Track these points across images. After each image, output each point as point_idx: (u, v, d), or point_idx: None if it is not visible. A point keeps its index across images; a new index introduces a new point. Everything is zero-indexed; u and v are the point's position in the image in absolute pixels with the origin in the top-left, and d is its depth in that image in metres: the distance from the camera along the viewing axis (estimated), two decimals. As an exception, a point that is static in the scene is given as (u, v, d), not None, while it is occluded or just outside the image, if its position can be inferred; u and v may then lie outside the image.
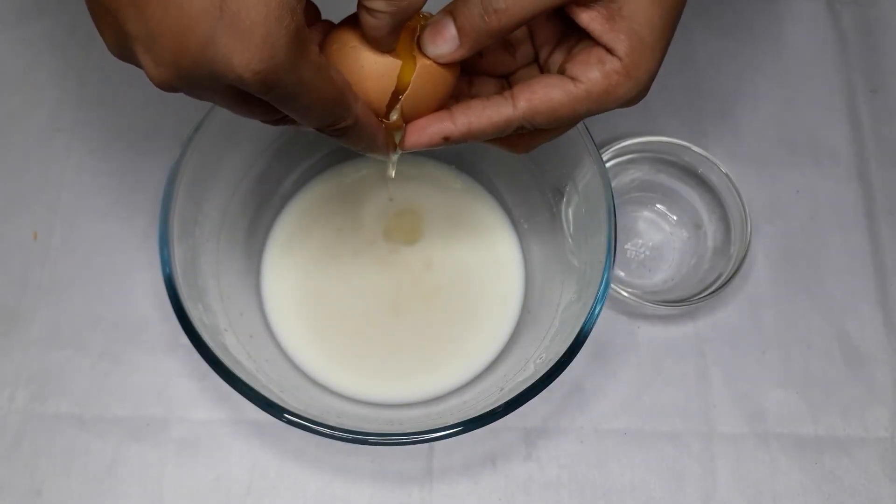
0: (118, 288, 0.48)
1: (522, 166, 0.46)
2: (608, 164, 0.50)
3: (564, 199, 0.44)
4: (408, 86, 0.32)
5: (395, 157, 0.37)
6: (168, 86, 0.27)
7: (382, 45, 0.31)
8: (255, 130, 0.44)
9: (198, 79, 0.26)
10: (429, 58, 0.32)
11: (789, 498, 0.45)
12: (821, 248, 0.51)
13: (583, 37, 0.32)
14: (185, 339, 0.37)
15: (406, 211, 0.50)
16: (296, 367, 0.46)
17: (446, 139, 0.32)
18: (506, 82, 0.36)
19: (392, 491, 0.44)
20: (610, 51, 0.31)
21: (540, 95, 0.32)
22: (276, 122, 0.31)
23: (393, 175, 0.41)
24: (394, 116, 0.33)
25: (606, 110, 0.32)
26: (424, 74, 0.32)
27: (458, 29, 0.31)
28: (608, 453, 0.46)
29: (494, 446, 0.46)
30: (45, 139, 0.52)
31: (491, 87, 0.36)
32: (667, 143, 0.50)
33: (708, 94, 0.54)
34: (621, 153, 0.50)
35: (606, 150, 0.50)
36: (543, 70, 0.35)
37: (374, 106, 0.32)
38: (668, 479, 0.45)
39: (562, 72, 0.32)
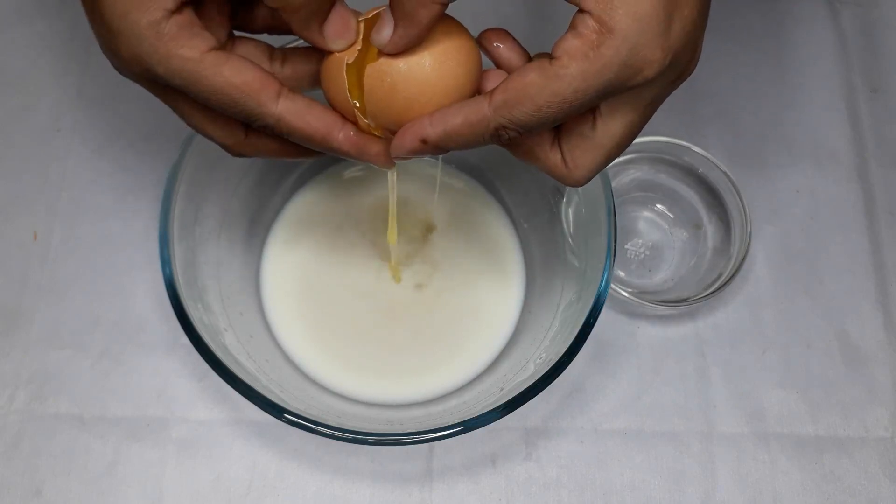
0: (118, 288, 0.48)
1: (522, 166, 0.46)
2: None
3: (564, 199, 0.44)
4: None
5: (392, 171, 0.36)
6: (120, 72, 0.31)
7: (319, 44, 0.30)
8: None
9: (118, 65, 0.30)
10: (384, 54, 0.30)
11: (789, 498, 0.45)
12: (821, 248, 0.51)
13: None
14: (185, 339, 0.37)
15: (410, 211, 0.50)
16: (296, 368, 0.46)
17: (424, 142, 0.30)
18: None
19: (392, 491, 0.44)
20: (581, 9, 0.27)
21: (514, 84, 0.28)
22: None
23: (391, 179, 0.40)
24: (370, 123, 0.31)
25: (606, 89, 0.27)
26: (380, 72, 0.30)
27: (393, 7, 0.28)
28: (608, 453, 0.46)
29: (494, 446, 0.46)
30: (45, 139, 0.52)
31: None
32: (667, 143, 0.50)
33: (708, 94, 0.54)
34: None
35: (606, 150, 0.50)
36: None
37: (340, 108, 0.31)
38: (668, 479, 0.45)
39: None
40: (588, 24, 0.27)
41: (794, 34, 0.56)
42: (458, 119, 0.29)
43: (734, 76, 0.55)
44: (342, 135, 0.31)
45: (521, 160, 0.33)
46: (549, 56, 0.28)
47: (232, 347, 0.39)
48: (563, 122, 0.30)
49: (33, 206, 0.50)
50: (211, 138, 0.32)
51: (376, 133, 0.32)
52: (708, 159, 0.49)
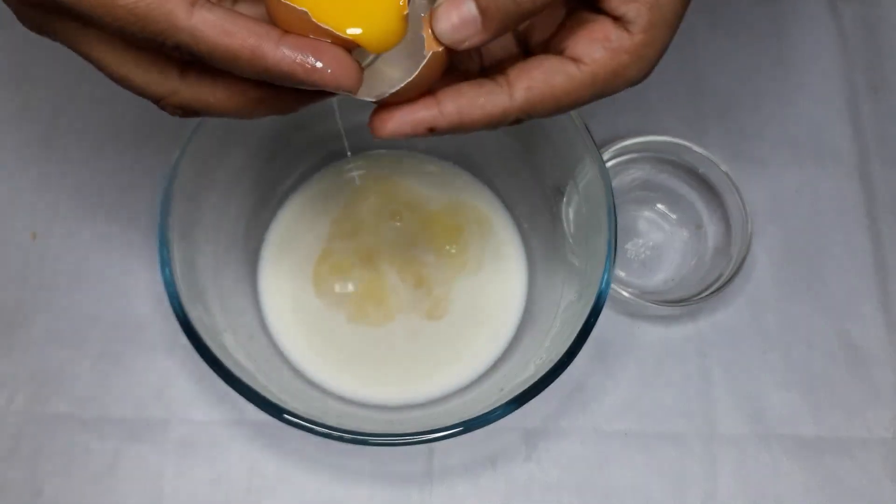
0: (118, 288, 0.48)
1: (522, 166, 0.46)
2: (608, 164, 0.50)
3: (564, 199, 0.44)
4: None
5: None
6: (21, 21, 0.28)
7: None
8: (253, 131, 0.44)
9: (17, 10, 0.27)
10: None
11: (791, 499, 0.45)
12: (822, 247, 0.51)
13: (578, 6, 0.28)
14: (184, 339, 0.37)
15: (409, 211, 0.50)
16: (295, 369, 0.46)
17: (431, 130, 0.28)
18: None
19: (392, 492, 0.44)
20: (626, 24, 0.27)
21: (540, 84, 0.28)
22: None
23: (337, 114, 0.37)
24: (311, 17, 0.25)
25: (611, 94, 0.29)
26: None
27: (482, 10, 0.26)
28: (609, 454, 0.46)
29: (494, 447, 0.45)
30: (45, 139, 0.52)
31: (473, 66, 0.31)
32: (667, 142, 0.50)
33: (709, 94, 0.54)
34: (621, 153, 0.50)
35: (606, 150, 0.50)
36: (532, 47, 0.31)
37: (288, 23, 0.25)
38: (669, 480, 0.45)
39: (559, 51, 0.28)
40: (624, 44, 0.27)
41: (795, 33, 0.56)
42: (476, 112, 0.28)
43: (735, 75, 0.55)
44: (280, 50, 0.24)
45: None
46: (567, 55, 0.28)
47: (231, 348, 0.39)
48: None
49: (33, 206, 0.50)
50: (139, 90, 0.28)
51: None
52: (709, 159, 0.49)
